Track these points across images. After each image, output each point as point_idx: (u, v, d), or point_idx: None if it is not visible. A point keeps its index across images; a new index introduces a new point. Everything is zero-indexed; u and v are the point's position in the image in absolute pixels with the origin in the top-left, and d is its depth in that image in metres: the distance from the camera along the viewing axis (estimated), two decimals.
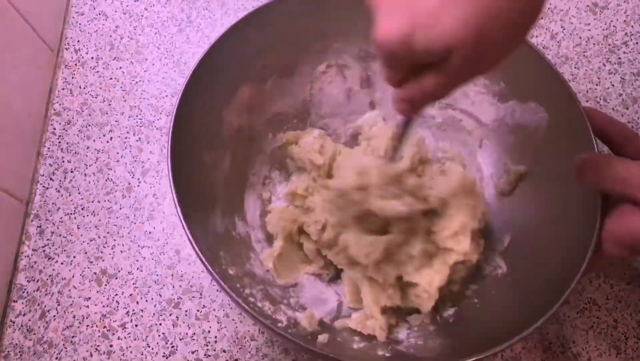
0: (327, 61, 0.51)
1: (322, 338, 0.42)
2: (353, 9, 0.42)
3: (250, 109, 0.49)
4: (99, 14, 0.60)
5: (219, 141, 0.47)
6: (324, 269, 0.48)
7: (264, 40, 0.47)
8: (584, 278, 0.35)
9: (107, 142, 0.55)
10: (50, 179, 0.53)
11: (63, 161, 0.54)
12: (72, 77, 0.57)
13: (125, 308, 0.48)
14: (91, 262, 0.50)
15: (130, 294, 0.49)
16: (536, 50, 0.43)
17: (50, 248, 0.50)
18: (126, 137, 0.55)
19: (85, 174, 0.53)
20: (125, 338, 0.47)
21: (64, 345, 0.47)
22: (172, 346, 0.47)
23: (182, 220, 0.37)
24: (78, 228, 0.51)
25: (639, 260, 0.49)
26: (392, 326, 0.45)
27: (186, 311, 0.48)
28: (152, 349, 0.47)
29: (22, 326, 0.48)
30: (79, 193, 0.52)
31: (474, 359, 0.34)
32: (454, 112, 0.51)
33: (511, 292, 0.43)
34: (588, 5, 0.60)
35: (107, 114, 0.56)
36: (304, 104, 0.52)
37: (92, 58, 0.58)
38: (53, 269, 0.50)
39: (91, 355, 0.47)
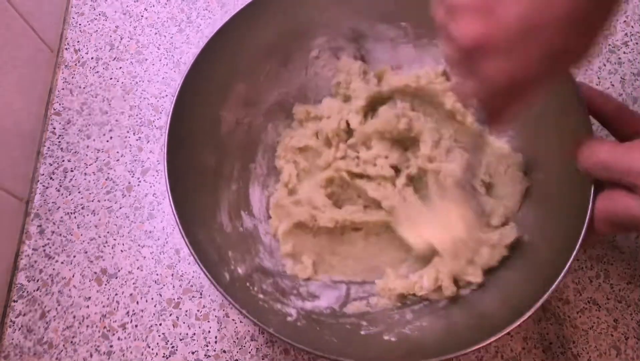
0: (319, 46, 0.51)
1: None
2: None
3: (247, 103, 0.49)
4: (99, 14, 0.60)
5: (219, 139, 0.47)
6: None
7: (255, 34, 0.47)
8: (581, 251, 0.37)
9: (107, 141, 0.55)
10: (51, 178, 0.53)
11: (63, 161, 0.54)
12: (72, 77, 0.57)
13: (125, 308, 0.48)
14: (91, 261, 0.50)
15: (130, 294, 0.49)
16: None
17: (50, 248, 0.50)
18: (126, 137, 0.55)
19: (85, 174, 0.53)
20: (125, 338, 0.47)
21: (64, 345, 0.47)
22: (172, 347, 0.47)
23: (183, 232, 0.38)
24: (78, 228, 0.51)
25: (639, 260, 0.49)
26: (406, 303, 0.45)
27: (186, 311, 0.48)
28: (152, 349, 0.47)
29: (22, 326, 0.48)
30: (79, 192, 0.52)
31: (476, 347, 0.35)
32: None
33: (516, 270, 0.44)
34: None
35: (107, 113, 0.56)
36: (300, 90, 0.52)
37: (92, 58, 0.58)
38: (53, 269, 0.50)
39: (91, 356, 0.47)
